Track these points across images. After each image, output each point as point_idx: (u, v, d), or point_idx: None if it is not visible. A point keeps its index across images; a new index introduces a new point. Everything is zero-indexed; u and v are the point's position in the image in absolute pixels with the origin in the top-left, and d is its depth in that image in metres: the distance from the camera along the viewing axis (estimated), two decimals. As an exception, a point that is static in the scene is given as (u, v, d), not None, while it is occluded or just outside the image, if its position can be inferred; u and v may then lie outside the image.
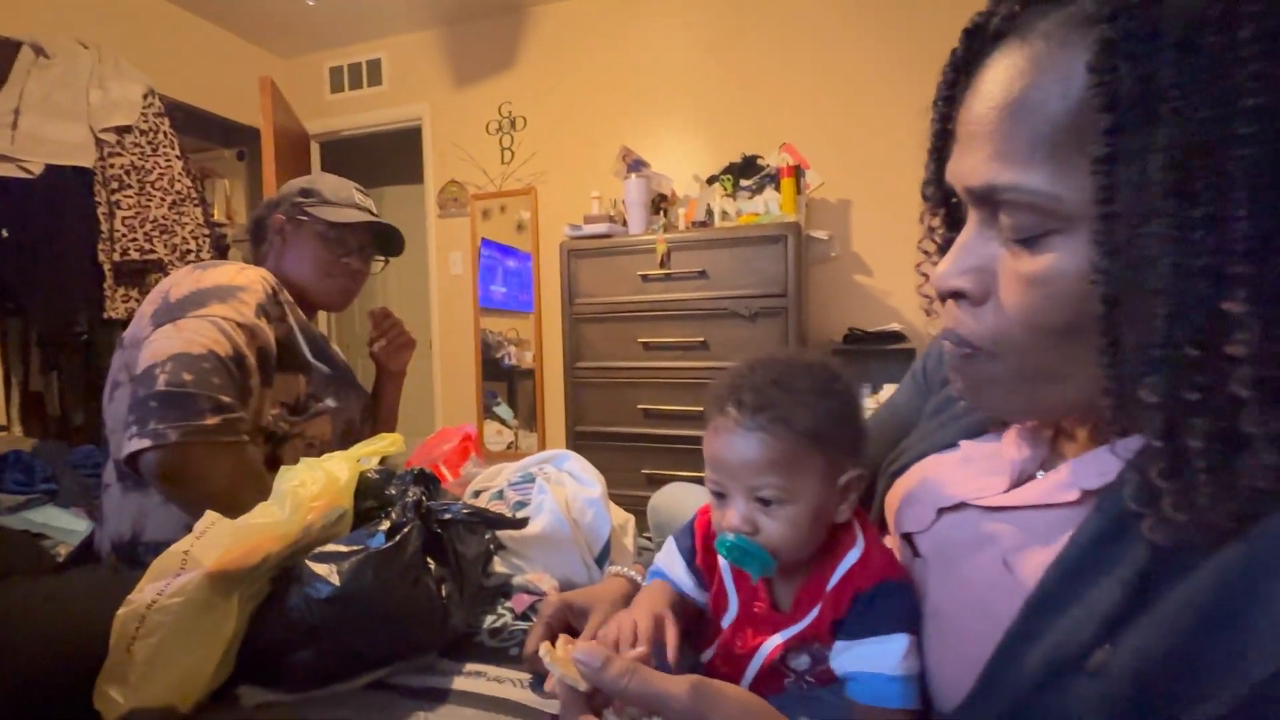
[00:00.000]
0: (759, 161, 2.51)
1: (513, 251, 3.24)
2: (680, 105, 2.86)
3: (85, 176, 2.34)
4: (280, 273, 1.11)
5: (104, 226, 2.37)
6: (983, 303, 0.36)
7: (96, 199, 2.36)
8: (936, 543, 0.50)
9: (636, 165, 2.61)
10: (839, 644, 0.49)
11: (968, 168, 0.36)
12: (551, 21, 3.05)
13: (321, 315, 3.58)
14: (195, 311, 0.91)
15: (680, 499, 1.17)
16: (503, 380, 3.38)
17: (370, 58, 3.39)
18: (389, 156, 3.96)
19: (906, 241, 2.70)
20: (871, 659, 0.47)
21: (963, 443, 0.53)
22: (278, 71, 3.40)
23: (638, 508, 1.19)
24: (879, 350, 2.36)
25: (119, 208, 2.40)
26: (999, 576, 0.41)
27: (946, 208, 0.46)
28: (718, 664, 0.58)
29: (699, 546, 0.60)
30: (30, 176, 2.22)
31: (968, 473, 0.50)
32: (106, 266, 2.37)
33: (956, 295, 0.38)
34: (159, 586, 0.57)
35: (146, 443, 0.81)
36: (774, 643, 0.53)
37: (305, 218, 1.11)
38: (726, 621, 0.57)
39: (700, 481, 0.65)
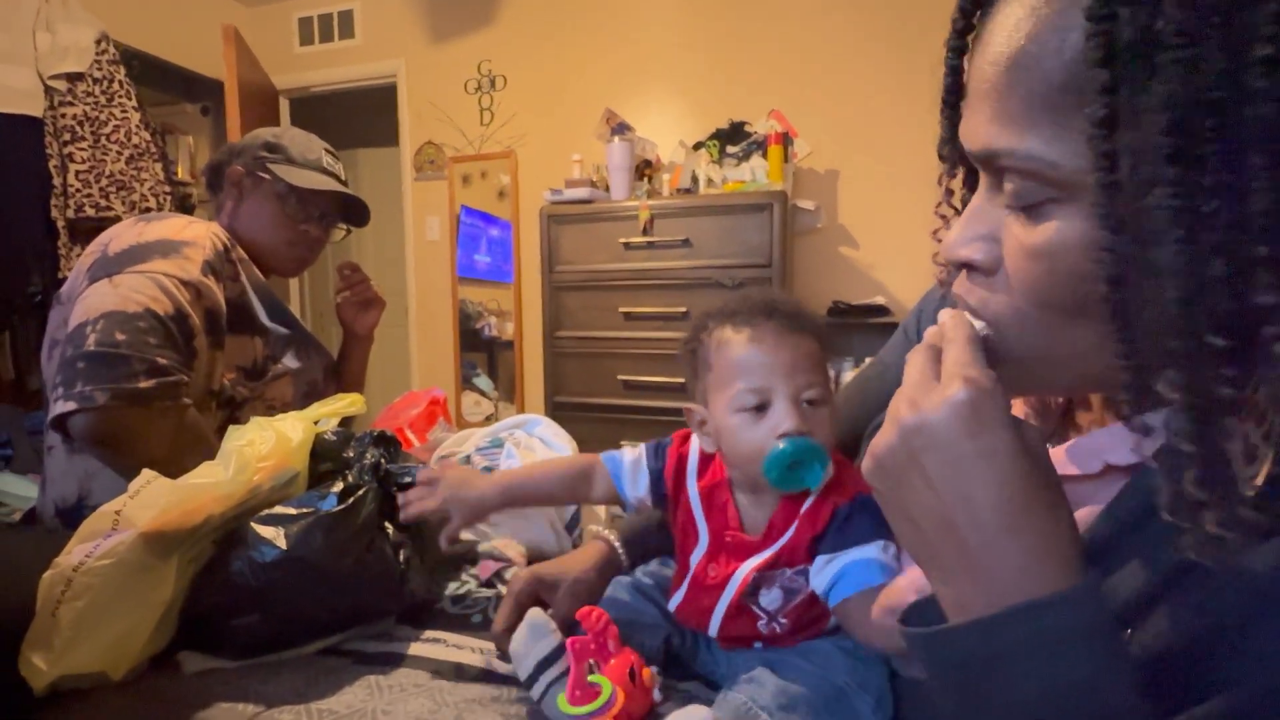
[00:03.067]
0: (746, 128, 2.45)
1: (495, 220, 3.16)
2: (667, 67, 2.77)
3: (34, 126, 2.20)
4: (233, 229, 1.03)
5: (56, 181, 2.24)
6: (993, 273, 0.34)
7: (47, 151, 2.23)
8: None
9: (620, 129, 2.53)
10: (820, 560, 0.50)
11: (970, 129, 0.33)
12: (533, -25, 2.93)
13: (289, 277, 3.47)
14: (134, 267, 0.85)
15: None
16: (482, 351, 3.32)
17: (342, 8, 3.22)
18: (363, 116, 3.81)
19: (893, 214, 2.67)
20: (854, 559, 0.49)
21: None
22: (242, 20, 3.22)
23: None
24: (863, 324, 2.34)
25: (72, 161, 2.27)
26: None
27: (967, 167, 0.42)
28: (687, 607, 0.57)
29: (669, 471, 0.60)
30: (-28, 124, 2.09)
31: None
32: (60, 223, 2.26)
33: (966, 265, 0.36)
34: (88, 548, 0.53)
35: (73, 405, 0.76)
36: (749, 567, 0.53)
37: (266, 175, 1.04)
38: (696, 556, 0.56)
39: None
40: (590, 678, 0.47)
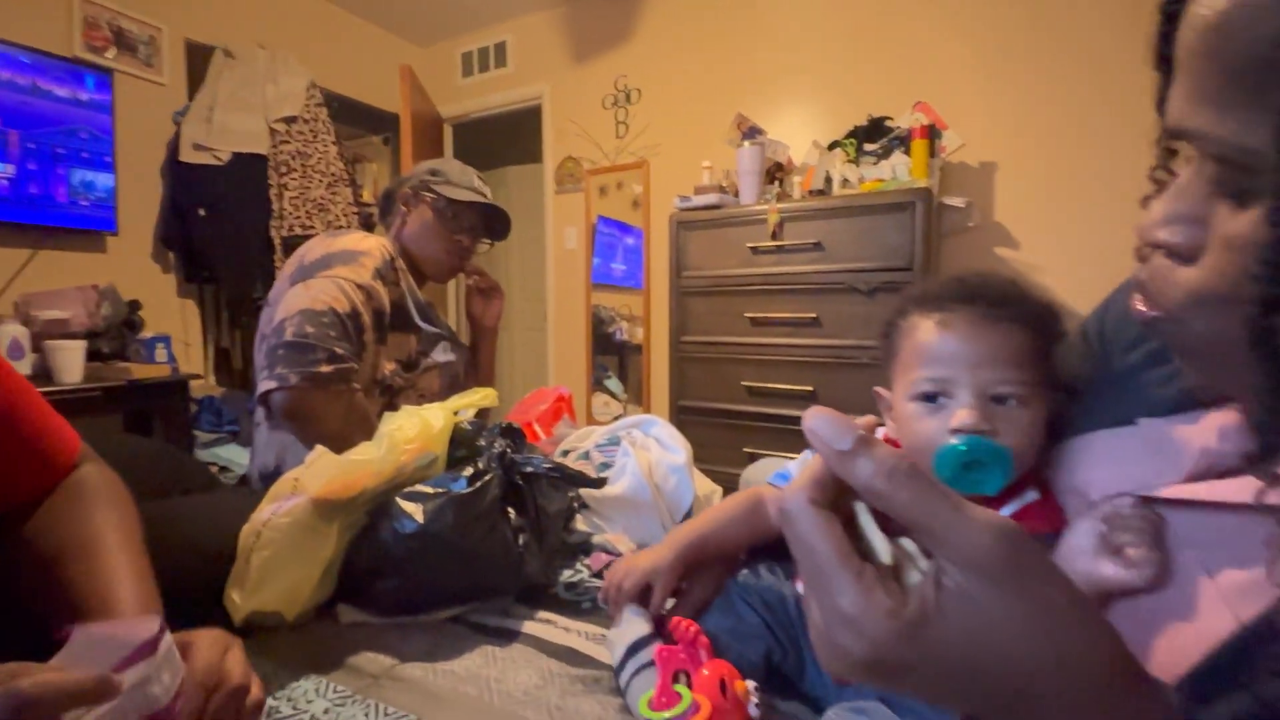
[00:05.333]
0: (887, 123, 2.30)
1: (630, 229, 3.27)
2: (802, 67, 2.69)
3: (260, 162, 2.68)
4: (399, 243, 1.20)
5: (275, 206, 2.71)
6: (1193, 260, 0.29)
7: (269, 182, 2.70)
8: None
9: (751, 133, 2.51)
10: None
11: (1171, 102, 0.29)
12: (671, -11, 3.00)
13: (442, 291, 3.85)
14: (323, 272, 1.01)
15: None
16: (614, 354, 3.45)
17: (497, 40, 3.54)
18: (512, 136, 4.14)
19: (1061, 210, 2.37)
20: None
21: (1142, 420, 0.43)
22: (416, 59, 3.66)
23: (735, 485, 1.16)
24: (1021, 332, 2.09)
25: (286, 189, 2.73)
26: (1182, 581, 0.33)
27: None
28: None
29: None
30: (220, 164, 2.59)
31: (1138, 459, 0.40)
32: (276, 241, 2.72)
33: (1164, 248, 0.31)
34: (273, 507, 0.64)
35: (273, 384, 0.92)
36: None
37: (429, 194, 1.19)
38: None
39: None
40: (675, 687, 0.47)
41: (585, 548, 0.84)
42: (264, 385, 0.94)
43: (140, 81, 2.51)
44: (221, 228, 2.60)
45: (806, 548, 0.24)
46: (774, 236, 2.21)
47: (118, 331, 2.20)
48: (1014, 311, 0.47)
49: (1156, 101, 0.37)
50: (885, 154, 2.23)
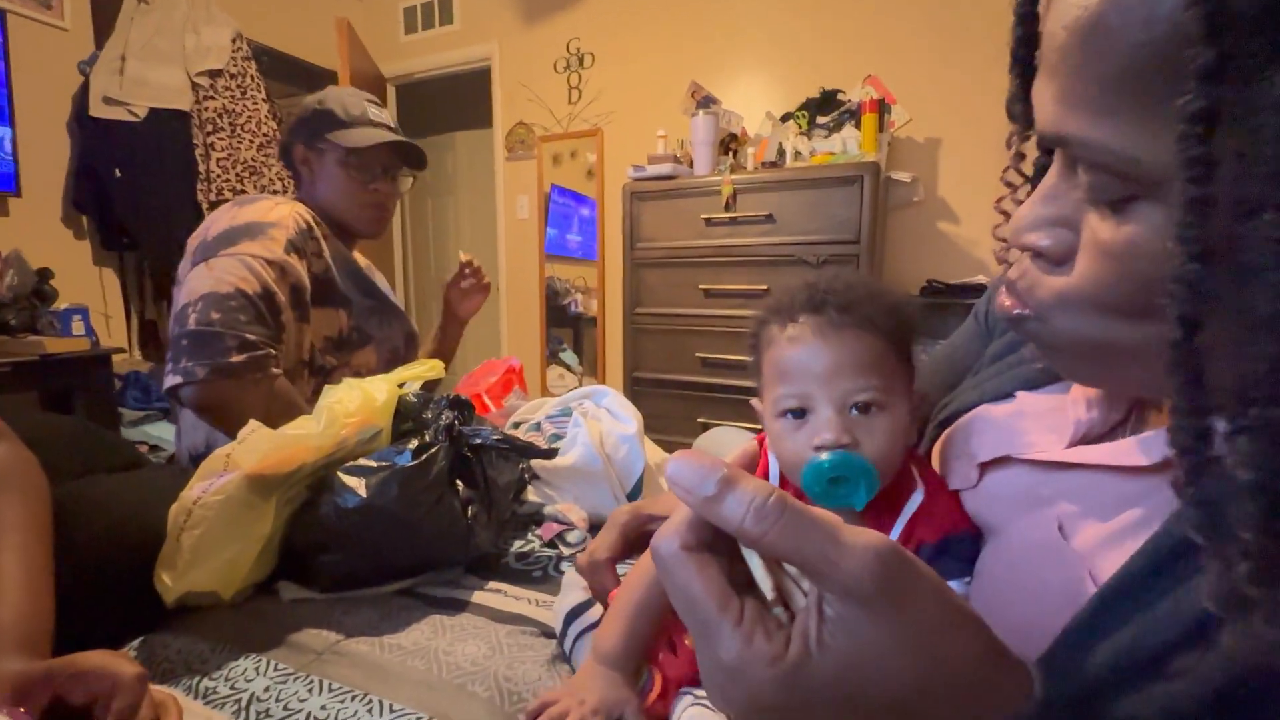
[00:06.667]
0: (839, 96, 2.32)
1: (586, 199, 3.21)
2: (756, 36, 2.67)
3: (183, 120, 2.49)
4: (315, 204, 1.08)
5: (201, 167, 2.53)
6: (1063, 264, 0.29)
7: (194, 141, 2.52)
8: (983, 501, 0.44)
9: (706, 102, 2.48)
10: None
11: (1039, 105, 0.28)
12: (623, -51, 2.90)
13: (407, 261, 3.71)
14: (227, 250, 0.91)
15: (725, 443, 1.14)
16: (569, 327, 3.42)
17: (442, -5, 3.37)
18: (461, 100, 3.97)
19: (1000, 187, 2.45)
20: None
21: (1019, 394, 0.46)
22: (354, 13, 3.45)
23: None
24: (960, 304, 2.18)
25: (213, 149, 2.55)
26: (1051, 541, 0.36)
27: None
28: None
29: None
30: (136, 120, 2.39)
31: (1019, 427, 0.44)
32: (205, 205, 2.55)
33: (1032, 250, 0.31)
34: (204, 485, 0.61)
35: (179, 380, 0.85)
36: None
37: (325, 145, 1.07)
38: None
39: (757, 431, 0.58)
40: None
41: (537, 518, 0.84)
42: (170, 380, 0.86)
43: (37, 25, 2.28)
44: (141, 190, 2.42)
45: (683, 597, 0.23)
46: (728, 208, 2.22)
47: (26, 302, 2.03)
48: (861, 316, 0.45)
49: (1008, 104, 0.37)
50: (836, 127, 2.26)
